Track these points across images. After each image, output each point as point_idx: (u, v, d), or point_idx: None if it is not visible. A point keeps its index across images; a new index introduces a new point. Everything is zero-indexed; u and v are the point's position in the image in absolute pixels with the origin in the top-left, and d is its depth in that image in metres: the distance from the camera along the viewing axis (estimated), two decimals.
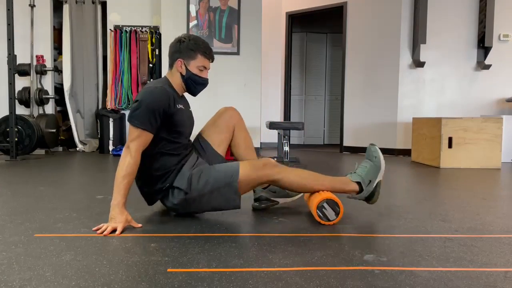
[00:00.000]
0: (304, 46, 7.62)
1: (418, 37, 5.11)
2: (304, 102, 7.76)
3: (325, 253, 1.38)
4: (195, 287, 1.09)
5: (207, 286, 1.10)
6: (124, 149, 1.72)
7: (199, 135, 2.06)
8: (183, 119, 1.86)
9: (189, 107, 2.02)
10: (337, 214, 1.76)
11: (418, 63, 5.21)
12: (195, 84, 1.88)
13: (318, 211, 1.76)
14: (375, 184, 1.84)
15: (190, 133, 1.99)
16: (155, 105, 1.72)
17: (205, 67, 1.88)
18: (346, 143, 5.90)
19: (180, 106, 1.85)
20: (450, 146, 4.07)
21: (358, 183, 1.85)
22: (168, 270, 1.21)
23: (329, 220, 1.76)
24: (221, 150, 2.03)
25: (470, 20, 5.26)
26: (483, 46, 5.20)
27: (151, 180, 1.84)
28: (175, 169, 1.83)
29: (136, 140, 1.71)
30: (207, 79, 1.91)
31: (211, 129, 2.04)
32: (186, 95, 2.00)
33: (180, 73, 1.86)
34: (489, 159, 4.07)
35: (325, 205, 1.76)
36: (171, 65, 1.89)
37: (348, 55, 5.86)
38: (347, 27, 5.85)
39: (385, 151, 5.41)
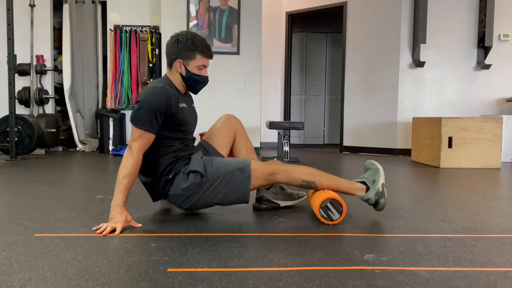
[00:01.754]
0: (304, 46, 7.62)
1: (418, 37, 5.11)
2: (304, 102, 7.75)
3: (325, 253, 1.38)
4: (195, 287, 1.09)
5: (207, 285, 1.10)
6: (126, 149, 1.73)
7: (203, 141, 2.09)
8: (186, 117, 1.87)
9: (192, 103, 2.03)
10: (340, 213, 1.76)
11: (418, 63, 5.21)
12: (196, 83, 1.88)
13: (322, 211, 1.75)
14: (379, 184, 1.85)
15: (194, 130, 2.00)
16: (155, 105, 1.72)
17: (204, 66, 1.87)
18: (346, 143, 5.90)
19: (183, 104, 1.85)
20: (450, 146, 4.06)
21: (363, 182, 1.89)
22: (168, 269, 1.21)
23: (332, 220, 1.76)
24: (224, 152, 2.07)
25: (470, 20, 5.26)
26: (483, 46, 5.20)
27: (156, 173, 1.83)
28: (181, 159, 1.84)
29: (138, 141, 1.71)
30: (207, 77, 1.91)
31: (214, 134, 2.09)
32: None
33: (180, 73, 1.86)
34: (489, 159, 4.07)
35: (328, 205, 1.75)
36: (170, 65, 1.89)
37: (348, 55, 5.86)
38: (347, 27, 5.85)
39: (385, 151, 5.41)
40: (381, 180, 1.87)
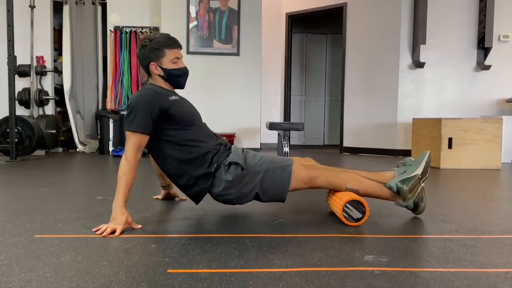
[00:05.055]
0: (304, 47, 7.62)
1: (418, 37, 5.12)
2: (304, 102, 7.76)
3: (325, 253, 1.38)
4: None
5: (207, 287, 1.10)
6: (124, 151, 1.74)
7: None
8: (182, 107, 1.87)
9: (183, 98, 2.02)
10: (363, 213, 1.75)
11: (418, 64, 5.21)
12: (177, 77, 1.89)
13: (344, 213, 1.75)
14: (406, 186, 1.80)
15: (200, 118, 1.97)
16: (145, 104, 1.74)
17: (177, 58, 1.87)
18: (346, 143, 5.90)
19: (174, 97, 1.86)
20: (450, 146, 4.07)
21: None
22: (168, 271, 1.21)
23: (355, 220, 1.75)
24: None
25: (470, 21, 5.27)
26: (483, 46, 5.20)
27: (191, 170, 1.81)
28: (217, 150, 1.83)
29: (130, 143, 1.72)
30: (185, 67, 1.91)
31: None
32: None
33: (159, 75, 1.87)
34: (489, 159, 4.07)
35: (349, 206, 1.75)
36: (148, 73, 1.91)
37: (348, 56, 5.86)
38: (347, 27, 5.85)
39: (385, 151, 5.41)
40: (410, 184, 1.81)
